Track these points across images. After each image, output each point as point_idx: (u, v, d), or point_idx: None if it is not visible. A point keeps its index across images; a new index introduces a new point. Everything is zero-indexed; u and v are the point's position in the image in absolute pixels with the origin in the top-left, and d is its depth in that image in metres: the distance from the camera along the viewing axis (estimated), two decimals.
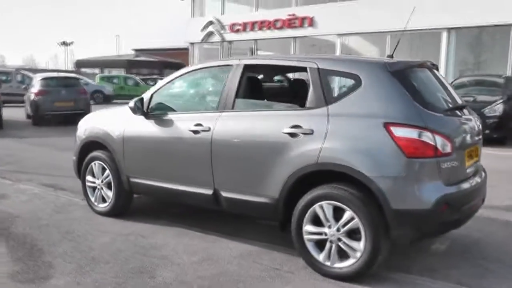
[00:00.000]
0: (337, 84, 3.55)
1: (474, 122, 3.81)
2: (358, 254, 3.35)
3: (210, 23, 23.37)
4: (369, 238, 3.28)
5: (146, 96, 4.57)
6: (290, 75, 5.54)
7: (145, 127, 4.52)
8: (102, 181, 4.95)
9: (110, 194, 4.89)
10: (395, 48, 4.24)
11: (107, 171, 4.88)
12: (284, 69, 4.87)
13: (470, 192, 3.52)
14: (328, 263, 3.48)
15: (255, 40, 22.69)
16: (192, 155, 4.15)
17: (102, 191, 4.97)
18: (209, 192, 4.06)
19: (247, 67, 4.03)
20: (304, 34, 21.61)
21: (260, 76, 5.02)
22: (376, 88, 3.41)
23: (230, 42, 23.37)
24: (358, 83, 3.48)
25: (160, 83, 4.64)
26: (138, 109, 4.46)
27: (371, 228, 3.27)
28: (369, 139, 3.31)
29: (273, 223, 4.22)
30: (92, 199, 5.08)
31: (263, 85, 4.62)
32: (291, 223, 3.63)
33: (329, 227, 3.45)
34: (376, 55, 27.33)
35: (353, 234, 3.39)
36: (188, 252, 3.96)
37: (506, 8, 15.50)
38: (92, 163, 5.02)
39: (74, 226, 4.61)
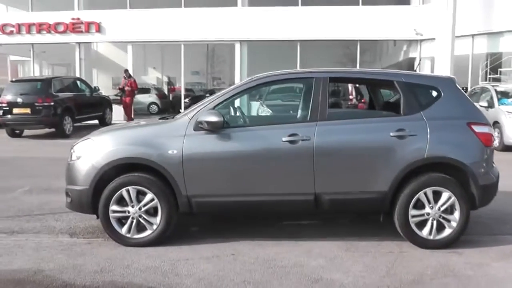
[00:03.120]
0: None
1: None
2: (454, 224, 4.29)
3: None
4: (462, 210, 4.27)
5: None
6: None
7: (216, 143, 4.31)
8: (139, 208, 4.39)
9: (155, 220, 4.39)
10: (418, 64, 5.34)
11: (149, 196, 4.36)
12: (367, 82, 5.29)
13: None
14: (430, 237, 4.29)
15: (32, 44, 20.21)
16: (290, 165, 4.27)
17: (140, 219, 4.41)
18: (310, 197, 4.29)
19: (332, 80, 4.43)
20: (91, 40, 20.54)
21: None
22: (453, 97, 4.46)
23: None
24: (439, 93, 4.45)
25: (219, 97, 4.46)
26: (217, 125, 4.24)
27: (464, 202, 4.27)
28: (459, 135, 4.32)
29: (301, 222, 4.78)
30: (122, 231, 4.41)
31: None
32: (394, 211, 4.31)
33: (431, 208, 4.28)
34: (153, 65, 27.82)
35: (446, 210, 4.32)
36: (305, 257, 4.09)
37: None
38: (123, 190, 4.37)
39: (138, 262, 4.01)
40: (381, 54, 22.55)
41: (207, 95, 24.10)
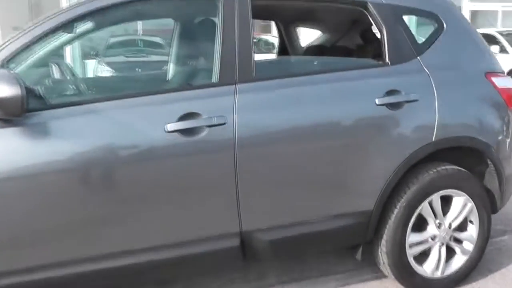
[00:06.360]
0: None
1: None
2: (470, 247, 2.54)
3: None
4: (482, 222, 2.52)
5: None
6: None
7: (14, 148, 1.78)
8: None
9: None
10: None
11: None
12: (319, 6, 2.81)
13: None
14: (438, 275, 2.47)
15: None
16: (186, 181, 1.96)
17: None
18: (233, 243, 2.08)
19: (256, 6, 2.15)
20: None
21: None
22: (460, 32, 2.54)
23: None
24: (440, 25, 2.50)
25: (14, 40, 1.87)
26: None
27: (485, 209, 2.53)
28: (479, 96, 2.47)
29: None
30: None
31: None
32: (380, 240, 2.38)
33: (438, 226, 2.43)
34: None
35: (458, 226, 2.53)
36: None
37: None
38: None
39: None
40: None
41: None
